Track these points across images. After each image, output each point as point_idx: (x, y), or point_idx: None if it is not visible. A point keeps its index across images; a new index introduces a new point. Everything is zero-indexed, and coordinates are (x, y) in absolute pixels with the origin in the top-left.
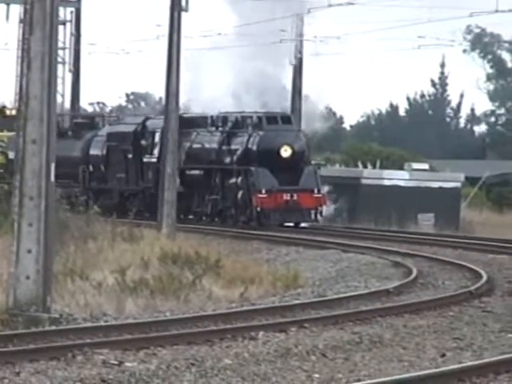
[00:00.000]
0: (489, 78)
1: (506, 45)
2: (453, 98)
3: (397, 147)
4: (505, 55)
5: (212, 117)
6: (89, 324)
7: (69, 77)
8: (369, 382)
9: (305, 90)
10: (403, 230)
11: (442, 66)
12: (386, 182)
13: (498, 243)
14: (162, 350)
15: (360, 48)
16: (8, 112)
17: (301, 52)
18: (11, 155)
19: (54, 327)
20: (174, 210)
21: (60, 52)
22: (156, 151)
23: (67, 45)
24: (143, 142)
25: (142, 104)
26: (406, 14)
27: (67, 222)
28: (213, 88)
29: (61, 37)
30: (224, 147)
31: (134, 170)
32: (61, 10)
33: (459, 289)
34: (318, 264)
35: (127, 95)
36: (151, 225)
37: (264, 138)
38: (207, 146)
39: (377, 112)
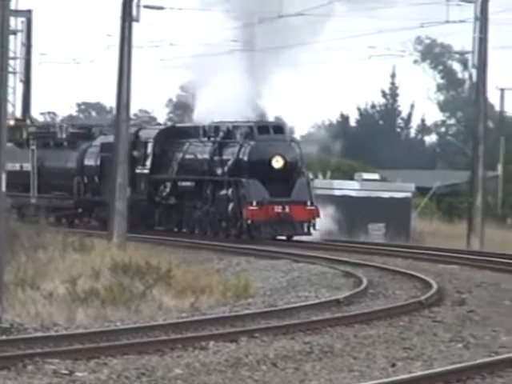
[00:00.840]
0: (439, 88)
1: (457, 55)
2: (403, 108)
3: (348, 157)
4: (455, 66)
5: (204, 127)
6: (39, 334)
7: (20, 87)
8: None
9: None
10: (353, 239)
11: (393, 76)
12: (337, 192)
13: (448, 253)
14: (112, 360)
15: (310, 58)
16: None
17: (252, 62)
18: (9, 167)
19: (4, 337)
20: (125, 220)
21: (11, 62)
22: (148, 162)
23: (18, 54)
24: (135, 153)
25: (93, 114)
26: (356, 25)
27: (17, 231)
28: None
29: (11, 46)
30: (215, 158)
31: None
32: (12, 20)
33: (409, 299)
34: (269, 274)
35: (78, 105)
36: (102, 235)
37: (255, 149)
38: (199, 156)
39: (327, 122)
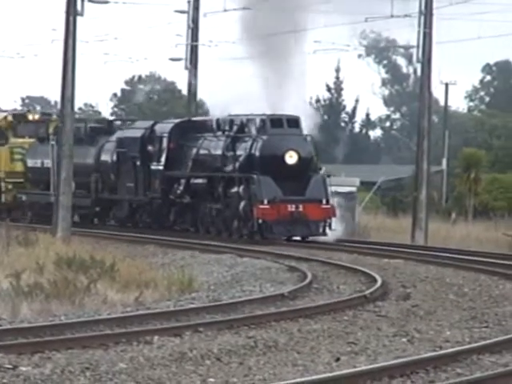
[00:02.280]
0: (384, 83)
1: (401, 50)
2: (348, 102)
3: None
4: (400, 60)
5: (218, 120)
6: None
7: None
8: None
9: (200, 95)
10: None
11: (338, 71)
12: None
13: (392, 247)
14: (56, 354)
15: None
16: (31, 117)
17: (196, 56)
18: (30, 163)
19: None
20: (70, 214)
21: None
22: (163, 158)
23: None
24: (150, 148)
25: (38, 108)
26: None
27: None
28: None
29: None
30: (228, 153)
31: (142, 179)
32: None
33: (354, 293)
34: (214, 268)
35: (22, 99)
36: (46, 229)
37: (267, 143)
38: (213, 152)
39: None
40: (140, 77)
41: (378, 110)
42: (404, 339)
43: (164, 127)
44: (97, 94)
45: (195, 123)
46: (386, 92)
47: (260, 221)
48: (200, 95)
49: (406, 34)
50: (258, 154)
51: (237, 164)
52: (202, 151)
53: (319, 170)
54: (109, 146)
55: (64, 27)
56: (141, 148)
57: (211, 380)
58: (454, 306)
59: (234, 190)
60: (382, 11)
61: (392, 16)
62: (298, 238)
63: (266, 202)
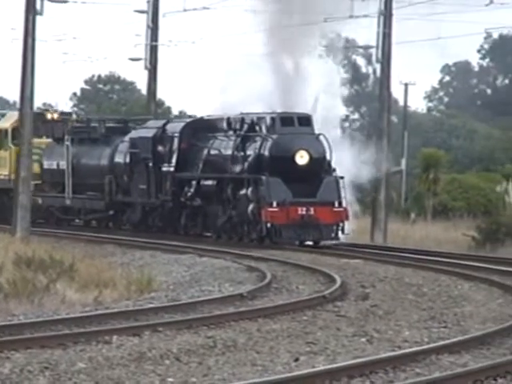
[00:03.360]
0: (343, 83)
1: (361, 50)
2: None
3: None
4: (360, 60)
5: (229, 119)
6: None
7: None
8: None
9: (159, 95)
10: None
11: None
12: None
13: (351, 247)
14: (15, 354)
15: (216, 52)
16: (49, 116)
17: (156, 56)
18: (46, 164)
19: None
20: (29, 214)
21: None
22: (174, 159)
23: None
24: (160, 149)
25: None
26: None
27: None
28: None
29: None
30: (238, 153)
31: (154, 181)
32: None
33: (313, 293)
34: (173, 268)
35: None
36: (5, 229)
37: (277, 143)
38: (223, 152)
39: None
40: (99, 76)
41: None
42: (363, 339)
43: (175, 127)
44: (56, 93)
45: (207, 122)
46: (346, 92)
47: (268, 224)
48: (159, 95)
49: (366, 34)
50: (267, 154)
51: (245, 165)
52: (212, 151)
53: (333, 171)
54: (122, 146)
55: (23, 26)
56: (152, 149)
57: (170, 380)
58: (412, 306)
59: (243, 192)
60: (341, 11)
61: (351, 16)
62: (310, 243)
63: (274, 204)
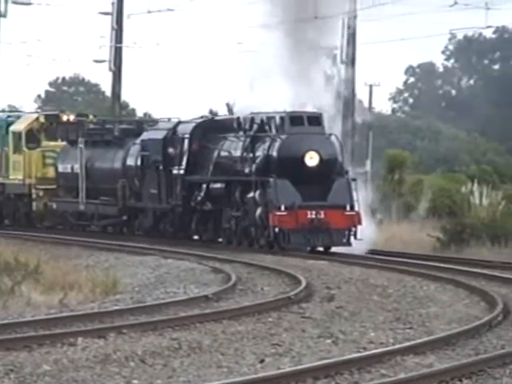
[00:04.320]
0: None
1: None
2: None
3: None
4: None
5: (239, 119)
6: None
7: None
8: None
9: (123, 97)
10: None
11: None
12: None
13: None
14: None
15: (179, 54)
16: (65, 118)
17: (120, 58)
18: (61, 168)
19: None
20: None
21: None
22: (184, 161)
23: None
24: (171, 151)
25: None
26: (225, 20)
27: None
28: None
29: None
30: (247, 155)
31: (164, 185)
32: None
33: (278, 295)
34: (138, 270)
35: None
36: None
37: (285, 143)
38: (233, 153)
39: None
40: (64, 78)
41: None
42: (328, 340)
43: (186, 128)
44: (21, 95)
45: (218, 123)
46: None
47: (276, 229)
48: (124, 97)
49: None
50: (275, 155)
51: (253, 166)
52: (222, 153)
53: (345, 173)
54: (134, 149)
55: None
56: (163, 151)
57: (135, 382)
58: (378, 307)
59: (251, 195)
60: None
61: (316, 17)
62: (321, 249)
63: (283, 208)
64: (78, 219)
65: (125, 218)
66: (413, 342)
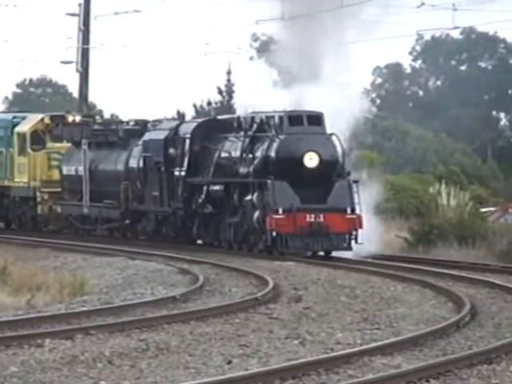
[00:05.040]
0: (275, 84)
1: None
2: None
3: None
4: None
5: (239, 118)
6: None
7: None
8: None
9: (91, 98)
10: None
11: (229, 73)
12: None
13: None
14: None
15: (146, 55)
16: (70, 119)
17: (87, 59)
18: (65, 170)
19: None
20: None
21: None
22: (185, 162)
23: None
24: (172, 152)
25: None
26: (192, 22)
27: None
28: None
29: None
30: (246, 155)
31: (166, 187)
32: None
33: (246, 296)
34: (105, 271)
35: None
36: None
37: (284, 144)
38: (233, 154)
39: None
40: (31, 80)
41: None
42: (296, 341)
43: (187, 127)
44: None
45: (219, 122)
46: None
47: (274, 233)
48: (91, 98)
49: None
50: (273, 155)
51: (251, 168)
52: (223, 154)
53: (347, 175)
54: (136, 150)
55: None
56: (164, 152)
57: (103, 383)
58: (345, 308)
59: (248, 197)
60: (272, 14)
61: (283, 18)
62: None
63: (280, 211)
64: (83, 223)
65: (127, 221)
66: (380, 343)
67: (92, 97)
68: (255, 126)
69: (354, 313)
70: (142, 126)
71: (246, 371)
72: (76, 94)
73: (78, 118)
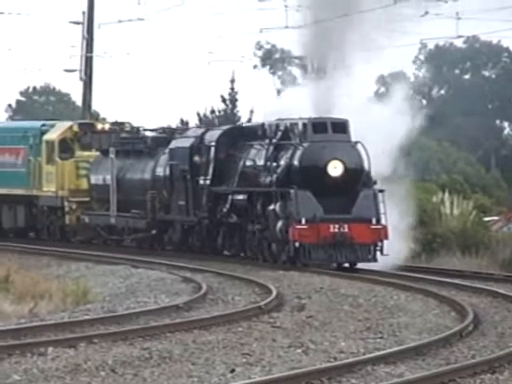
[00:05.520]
0: (279, 93)
1: (296, 60)
2: (243, 113)
3: None
4: (295, 71)
5: (263, 125)
6: None
7: None
8: None
9: (94, 106)
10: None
11: (232, 81)
12: None
13: None
14: None
15: (150, 63)
16: (100, 126)
17: (91, 67)
18: (93, 179)
19: None
20: None
21: None
22: (210, 171)
23: None
24: (197, 160)
25: None
26: (196, 30)
27: None
28: None
29: None
30: (270, 164)
31: (192, 196)
32: None
33: (249, 304)
34: (108, 279)
35: None
36: None
37: (308, 152)
38: (257, 162)
39: None
40: (35, 88)
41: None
42: (299, 350)
43: (212, 135)
44: None
45: (245, 130)
46: None
47: (297, 244)
48: (94, 106)
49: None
50: (297, 164)
51: (274, 176)
52: (248, 162)
53: (372, 184)
54: (163, 158)
55: None
56: (190, 160)
57: None
58: (348, 316)
59: (271, 207)
60: (276, 22)
61: (287, 27)
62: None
63: (303, 221)
64: (110, 233)
65: (154, 231)
66: (383, 352)
67: (95, 105)
68: (279, 133)
69: (357, 322)
70: (170, 133)
71: (249, 380)
72: (79, 103)
73: (107, 126)
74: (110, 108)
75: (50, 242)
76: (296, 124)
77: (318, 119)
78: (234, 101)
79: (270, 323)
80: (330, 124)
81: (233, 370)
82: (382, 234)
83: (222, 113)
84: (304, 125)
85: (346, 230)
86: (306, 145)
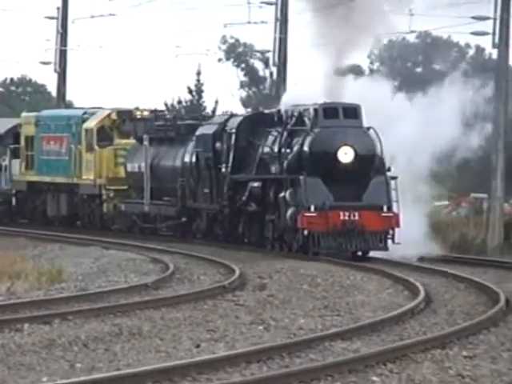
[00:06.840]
0: (242, 85)
1: (258, 54)
2: (208, 104)
3: None
4: (257, 64)
5: (279, 111)
6: None
7: None
8: (128, 371)
9: (68, 96)
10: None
11: (198, 74)
12: None
13: None
14: None
15: (121, 56)
16: (138, 114)
17: (65, 60)
18: (129, 167)
19: None
20: None
21: None
22: (231, 158)
23: None
24: (219, 147)
25: None
26: (165, 25)
27: None
28: None
29: None
30: (283, 150)
31: (215, 184)
32: None
33: (214, 283)
34: (81, 260)
35: None
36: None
37: (318, 137)
38: (274, 149)
39: None
40: (12, 79)
41: (237, 111)
42: (260, 327)
43: (234, 122)
44: None
45: (266, 116)
46: (244, 94)
47: (305, 232)
48: (69, 97)
49: (263, 39)
50: (307, 150)
51: (285, 163)
52: (265, 149)
53: (385, 171)
54: (191, 145)
55: None
56: (213, 147)
57: (78, 365)
58: (307, 295)
59: (282, 194)
60: (239, 18)
61: (249, 22)
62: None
63: (312, 208)
64: (144, 221)
65: (184, 219)
66: (340, 329)
67: (70, 95)
68: (294, 119)
69: (315, 300)
70: (201, 120)
71: (214, 355)
72: (54, 93)
73: (146, 113)
74: (83, 98)
75: (24, 224)
76: (307, 109)
77: (328, 104)
78: (199, 92)
79: (234, 301)
80: (342, 109)
81: (198, 346)
82: (394, 221)
83: (189, 103)
84: (315, 110)
85: (357, 217)
86: (316, 130)
